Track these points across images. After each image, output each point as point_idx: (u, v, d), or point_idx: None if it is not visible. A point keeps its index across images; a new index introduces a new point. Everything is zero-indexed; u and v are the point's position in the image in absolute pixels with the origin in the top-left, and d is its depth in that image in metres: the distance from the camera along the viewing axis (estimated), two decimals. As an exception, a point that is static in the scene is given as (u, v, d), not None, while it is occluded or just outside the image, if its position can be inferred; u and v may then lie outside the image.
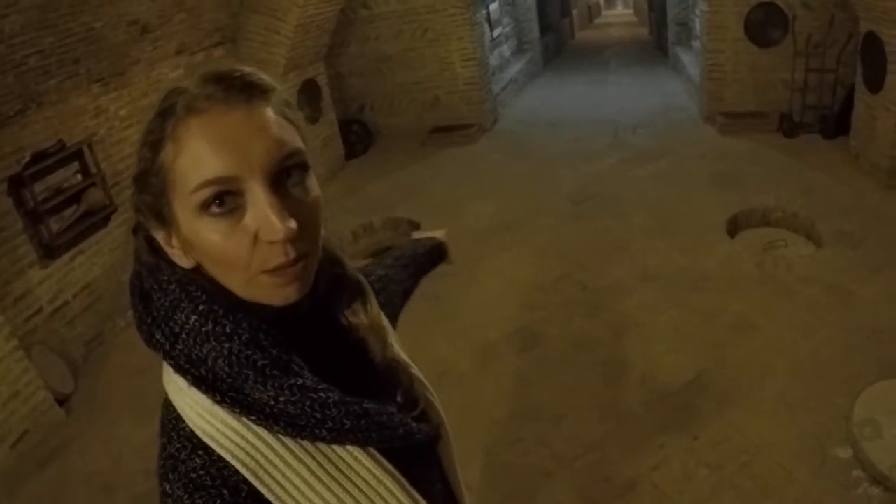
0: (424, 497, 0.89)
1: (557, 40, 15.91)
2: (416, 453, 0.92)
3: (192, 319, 0.77)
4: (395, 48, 8.56)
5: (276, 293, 0.79)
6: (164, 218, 0.80)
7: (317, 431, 0.78)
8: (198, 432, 0.78)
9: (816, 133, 7.30)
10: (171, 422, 0.82)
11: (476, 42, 8.99)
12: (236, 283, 0.79)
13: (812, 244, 5.43)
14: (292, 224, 0.75)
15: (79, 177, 4.99)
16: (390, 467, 0.84)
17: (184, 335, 0.77)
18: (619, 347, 4.31)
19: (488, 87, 9.49)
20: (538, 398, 3.96)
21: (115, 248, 5.20)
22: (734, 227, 5.83)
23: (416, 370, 1.05)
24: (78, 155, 4.99)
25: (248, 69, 0.81)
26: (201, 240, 0.76)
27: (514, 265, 5.58)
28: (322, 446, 0.80)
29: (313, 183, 0.83)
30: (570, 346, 4.40)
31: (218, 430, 0.77)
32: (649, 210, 6.24)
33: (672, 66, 11.94)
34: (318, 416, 0.77)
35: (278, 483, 0.76)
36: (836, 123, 7.03)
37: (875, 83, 5.91)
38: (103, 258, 5.11)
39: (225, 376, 0.76)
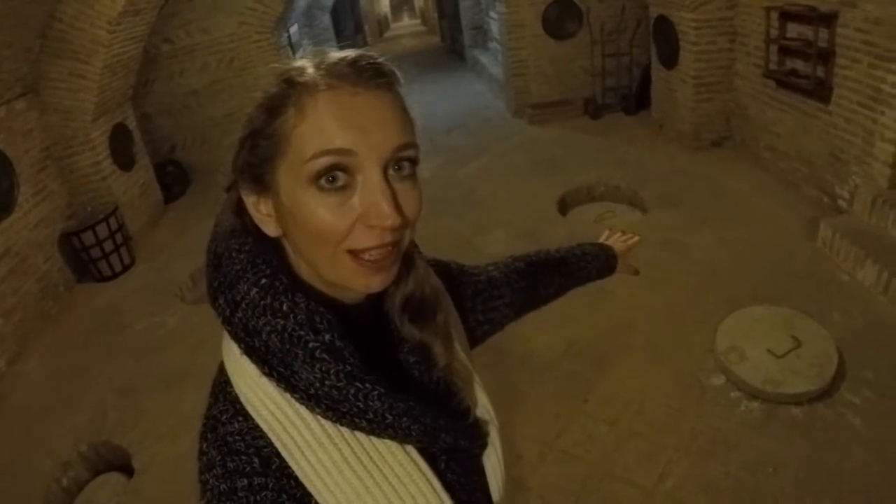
0: (460, 503, 0.88)
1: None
2: (459, 459, 0.92)
3: (253, 291, 0.77)
4: (202, 81, 8.24)
5: (358, 279, 0.80)
6: (263, 182, 0.80)
7: (356, 420, 0.77)
8: (242, 399, 0.79)
9: (620, 112, 8.03)
10: (221, 385, 0.84)
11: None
12: (321, 258, 0.79)
13: (638, 210, 5.92)
14: (399, 214, 0.77)
15: None
16: (425, 466, 0.84)
17: (243, 305, 0.77)
18: (492, 338, 4.47)
19: None
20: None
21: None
22: (564, 207, 6.22)
23: (477, 379, 1.03)
24: None
25: (378, 56, 0.82)
26: (303, 210, 0.76)
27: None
28: (360, 435, 0.79)
29: (417, 180, 0.83)
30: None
31: (261, 400, 0.78)
32: (482, 204, 6.48)
33: (471, 68, 12.47)
34: (361, 405, 0.77)
35: (309, 462, 0.76)
36: (636, 100, 7.77)
37: (669, 60, 6.61)
38: None
39: (276, 351, 0.76)
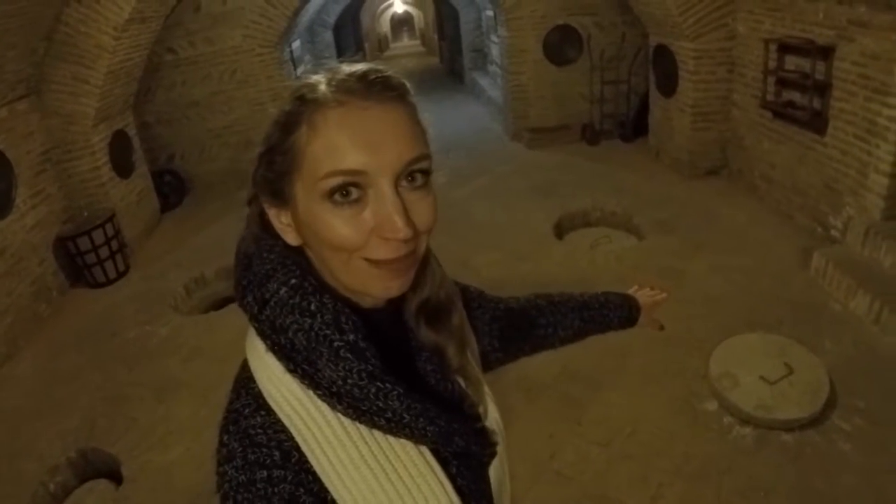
0: None
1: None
2: (469, 465, 0.92)
3: (283, 291, 0.79)
4: (203, 92, 8.25)
5: (377, 284, 0.81)
6: (281, 195, 0.82)
7: (376, 419, 0.79)
8: (265, 394, 0.81)
9: (616, 138, 8.11)
10: (244, 380, 0.85)
11: (285, 81, 8.91)
12: (337, 264, 0.81)
13: (633, 236, 5.96)
14: (411, 227, 0.78)
15: None
16: (438, 468, 0.85)
17: (272, 303, 0.79)
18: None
19: None
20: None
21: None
22: (560, 231, 6.26)
23: (488, 391, 1.04)
24: None
25: (387, 69, 0.82)
26: (318, 222, 0.78)
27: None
28: (377, 434, 0.81)
29: (432, 188, 0.84)
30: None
31: (284, 396, 0.80)
32: (479, 226, 6.49)
33: (470, 90, 12.59)
34: (381, 404, 0.78)
35: (328, 458, 0.78)
36: (634, 127, 7.86)
37: (668, 89, 6.71)
38: None
39: (301, 349, 0.78)
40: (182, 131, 8.49)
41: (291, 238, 0.84)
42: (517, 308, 1.35)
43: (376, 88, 0.79)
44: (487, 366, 1.24)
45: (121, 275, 6.14)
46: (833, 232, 5.16)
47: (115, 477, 3.83)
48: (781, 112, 5.72)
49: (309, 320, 0.78)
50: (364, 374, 0.78)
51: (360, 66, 0.81)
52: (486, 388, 1.03)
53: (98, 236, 5.82)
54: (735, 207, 6.07)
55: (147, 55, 6.78)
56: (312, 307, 0.78)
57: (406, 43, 27.83)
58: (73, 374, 4.71)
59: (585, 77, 8.38)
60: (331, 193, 0.76)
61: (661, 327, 1.65)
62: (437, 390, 0.91)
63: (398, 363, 0.87)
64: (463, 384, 0.96)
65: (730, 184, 6.63)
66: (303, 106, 0.78)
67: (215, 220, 7.27)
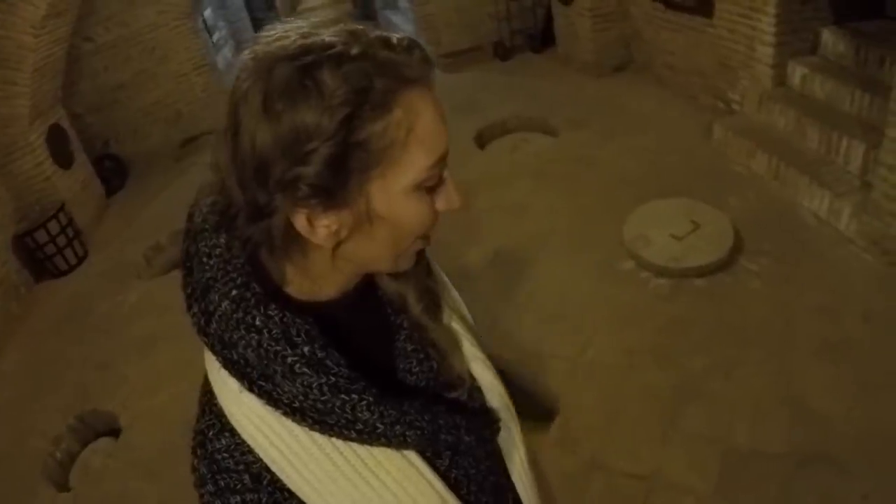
0: (470, 495, 0.88)
1: (269, 34, 16.06)
2: (467, 451, 0.89)
3: (224, 304, 0.72)
4: (127, 74, 8.19)
5: (412, 260, 0.81)
6: (338, 196, 0.68)
7: (345, 432, 0.74)
8: (226, 413, 0.76)
9: (528, 52, 8.35)
10: (207, 395, 0.81)
11: (203, 48, 8.98)
12: (392, 254, 0.77)
13: (549, 136, 6.26)
14: None
15: None
16: (424, 469, 0.82)
17: (216, 316, 0.72)
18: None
19: (224, 89, 9.37)
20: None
21: None
22: (482, 142, 6.51)
23: (489, 365, 0.98)
24: None
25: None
26: (405, 214, 0.72)
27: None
28: (353, 443, 0.77)
29: None
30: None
31: (245, 415, 0.75)
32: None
33: (385, 28, 12.68)
34: (349, 416, 0.73)
35: (301, 475, 0.75)
36: (542, 39, 8.11)
37: (567, -5, 7.01)
38: None
39: (255, 364, 0.72)
40: (113, 116, 8.43)
41: (330, 240, 0.71)
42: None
43: (428, 59, 0.73)
44: None
45: (81, 260, 6.24)
46: (734, 106, 5.51)
47: (115, 434, 4.00)
48: (672, 2, 6.01)
49: (256, 336, 0.71)
50: (325, 388, 0.72)
51: (395, 35, 0.72)
52: (489, 364, 0.98)
53: (53, 227, 5.89)
54: (643, 97, 6.39)
55: (67, 47, 6.83)
56: (257, 322, 0.71)
57: (319, -7, 27.22)
58: (57, 354, 4.83)
59: (491, -3, 8.51)
60: (428, 181, 0.72)
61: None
62: (421, 371, 0.88)
63: (374, 352, 0.84)
64: (444, 352, 0.91)
65: (636, 77, 6.93)
66: (388, 83, 0.67)
67: (159, 193, 7.34)
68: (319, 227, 0.69)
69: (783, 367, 3.15)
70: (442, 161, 0.72)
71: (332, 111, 0.63)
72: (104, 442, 4.06)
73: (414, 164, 0.69)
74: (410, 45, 0.71)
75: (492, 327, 3.75)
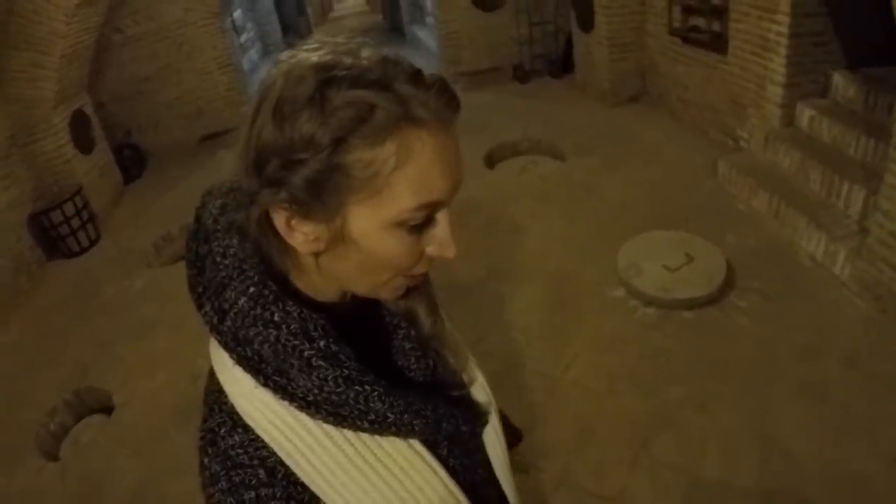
0: (465, 483, 0.89)
1: (299, 38, 16.29)
2: (460, 440, 0.92)
3: (242, 301, 0.73)
4: (153, 67, 8.47)
5: (398, 291, 0.81)
6: (321, 209, 0.70)
7: (358, 423, 0.77)
8: (239, 410, 0.77)
9: (547, 76, 8.50)
10: (214, 394, 0.81)
11: (229, 48, 9.14)
12: (370, 282, 0.78)
13: (558, 160, 6.34)
14: None
15: None
16: (429, 456, 0.84)
17: (232, 314, 0.74)
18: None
19: (247, 90, 9.60)
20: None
21: None
22: (491, 162, 6.61)
23: (473, 360, 1.02)
24: None
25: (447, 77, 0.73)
26: (380, 247, 0.72)
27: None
28: (363, 435, 0.79)
29: None
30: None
31: (259, 410, 0.76)
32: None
33: (410, 43, 12.80)
34: (362, 407, 0.76)
35: (314, 467, 0.76)
36: (562, 64, 8.27)
37: (587, 24, 7.14)
38: None
39: (270, 360, 0.74)
40: (136, 106, 8.64)
41: (304, 246, 0.74)
42: None
43: (454, 104, 0.72)
44: None
45: (93, 243, 6.40)
46: (742, 143, 5.54)
47: (108, 412, 4.10)
48: (688, 37, 6.09)
49: (274, 332, 0.73)
50: (340, 380, 0.75)
51: (430, 72, 0.73)
52: (472, 359, 1.02)
53: (69, 209, 6.07)
54: (654, 128, 6.45)
55: (97, 37, 7.00)
56: (276, 317, 0.73)
57: (350, 3, 27.54)
58: (60, 331, 4.94)
59: (513, 20, 8.65)
60: (408, 222, 0.72)
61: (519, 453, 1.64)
62: (419, 368, 0.92)
63: (374, 351, 0.85)
64: (444, 353, 0.95)
65: (650, 108, 7.01)
66: (389, 116, 0.67)
67: (175, 185, 7.48)
68: (298, 232, 0.72)
69: (759, 404, 3.17)
70: (433, 207, 0.72)
71: (327, 129, 0.65)
72: (98, 418, 4.15)
73: (396, 202, 0.69)
74: (440, 87, 0.70)
75: (477, 342, 3.80)
